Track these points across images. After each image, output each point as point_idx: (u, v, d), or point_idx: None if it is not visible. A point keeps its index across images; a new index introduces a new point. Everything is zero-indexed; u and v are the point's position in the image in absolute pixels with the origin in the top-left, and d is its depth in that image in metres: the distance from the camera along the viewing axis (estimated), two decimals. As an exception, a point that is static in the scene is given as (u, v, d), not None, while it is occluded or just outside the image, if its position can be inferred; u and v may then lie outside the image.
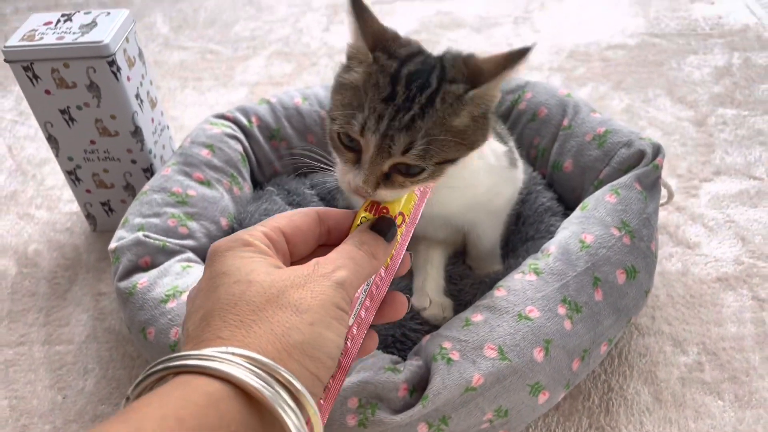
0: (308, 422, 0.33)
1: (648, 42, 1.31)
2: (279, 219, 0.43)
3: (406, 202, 0.50)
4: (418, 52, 0.53)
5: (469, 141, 0.51)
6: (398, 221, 0.48)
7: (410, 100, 0.48)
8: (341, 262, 0.40)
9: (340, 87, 0.53)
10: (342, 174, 0.52)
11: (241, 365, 0.31)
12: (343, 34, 1.44)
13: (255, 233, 0.40)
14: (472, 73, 0.50)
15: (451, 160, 0.51)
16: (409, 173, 0.49)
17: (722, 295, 0.79)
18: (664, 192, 0.83)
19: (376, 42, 0.51)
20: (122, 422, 0.28)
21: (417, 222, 0.51)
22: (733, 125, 1.07)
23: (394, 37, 0.53)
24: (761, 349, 0.73)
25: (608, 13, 1.43)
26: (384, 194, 0.49)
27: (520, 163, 0.75)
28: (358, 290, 0.44)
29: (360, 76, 0.51)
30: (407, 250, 0.49)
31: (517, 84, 0.90)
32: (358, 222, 0.47)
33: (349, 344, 0.43)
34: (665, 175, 0.96)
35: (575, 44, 1.32)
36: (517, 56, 0.48)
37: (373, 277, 0.46)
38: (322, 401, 0.40)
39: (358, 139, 0.49)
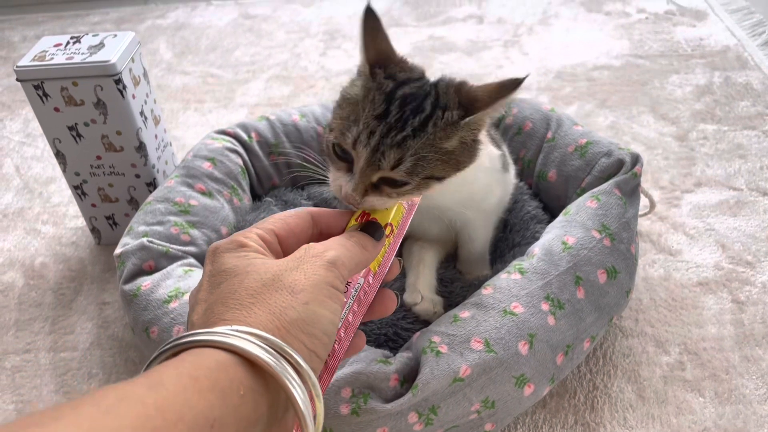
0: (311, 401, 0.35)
1: (632, 63, 1.36)
2: (274, 221, 0.46)
3: (395, 214, 0.53)
4: (418, 78, 0.56)
5: (455, 162, 0.55)
6: (387, 231, 0.50)
7: (403, 121, 0.52)
8: (332, 246, 0.42)
9: (342, 101, 0.56)
10: (334, 179, 0.55)
11: (248, 340, 0.34)
12: (339, 58, 1.49)
13: (250, 235, 0.43)
14: (466, 100, 0.54)
15: (437, 178, 0.55)
16: (396, 185, 0.53)
17: (703, 299, 0.82)
18: (646, 202, 0.86)
19: (378, 59, 0.55)
20: (143, 377, 0.30)
21: (406, 230, 0.54)
22: (714, 140, 1.11)
23: (401, 61, 0.57)
24: (740, 348, 0.76)
25: (594, 37, 1.49)
26: (371, 201, 0.53)
27: (512, 168, 0.80)
28: (349, 289, 0.47)
29: (359, 91, 0.54)
30: (398, 255, 0.52)
31: (503, 100, 0.95)
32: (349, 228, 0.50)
33: (336, 346, 0.45)
34: (648, 187, 1.01)
35: (562, 65, 1.38)
36: (510, 86, 0.52)
37: (362, 282, 0.48)
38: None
39: (351, 151, 0.53)
